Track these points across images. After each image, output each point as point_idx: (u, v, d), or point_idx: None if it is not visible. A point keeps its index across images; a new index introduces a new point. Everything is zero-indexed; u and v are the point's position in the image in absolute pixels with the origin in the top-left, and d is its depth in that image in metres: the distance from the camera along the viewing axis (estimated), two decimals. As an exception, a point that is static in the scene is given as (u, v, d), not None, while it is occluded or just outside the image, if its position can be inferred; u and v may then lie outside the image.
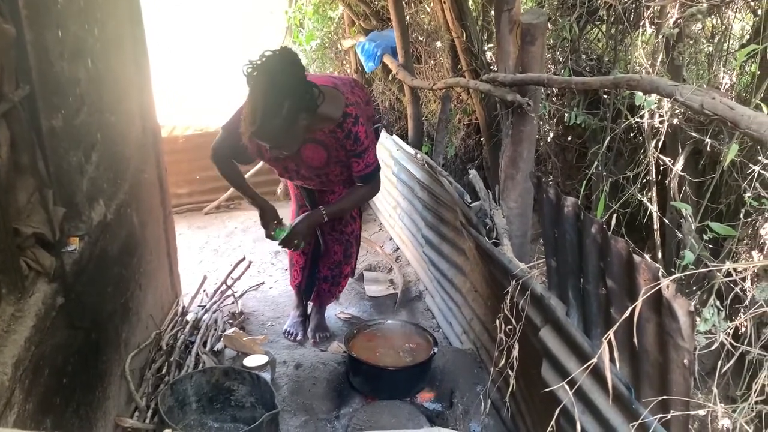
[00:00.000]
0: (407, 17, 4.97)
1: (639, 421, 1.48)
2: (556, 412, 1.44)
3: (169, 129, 5.85)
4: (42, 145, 1.93)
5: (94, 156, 2.38)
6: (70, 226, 2.10)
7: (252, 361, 2.90)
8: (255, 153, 2.97)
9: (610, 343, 1.26)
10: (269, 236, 3.10)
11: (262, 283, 4.33)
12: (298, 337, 3.60)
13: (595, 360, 1.38)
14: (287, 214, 3.50)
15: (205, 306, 3.71)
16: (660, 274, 1.40)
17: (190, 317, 3.53)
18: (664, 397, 1.44)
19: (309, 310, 3.75)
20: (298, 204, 3.43)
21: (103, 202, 2.43)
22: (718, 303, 1.81)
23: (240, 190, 3.19)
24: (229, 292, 3.94)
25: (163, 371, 2.97)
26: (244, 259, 4.16)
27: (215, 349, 3.20)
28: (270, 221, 3.08)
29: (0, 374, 1.49)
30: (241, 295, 4.06)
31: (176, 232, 3.89)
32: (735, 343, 1.46)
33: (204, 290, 3.93)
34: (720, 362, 1.48)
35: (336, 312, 3.98)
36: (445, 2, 4.11)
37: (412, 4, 5.34)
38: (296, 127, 2.61)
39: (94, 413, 2.26)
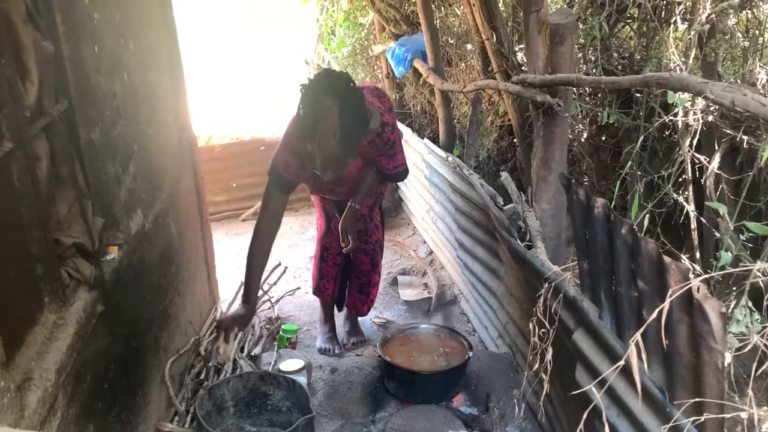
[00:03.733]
0: (437, 21, 4.98)
1: (671, 424, 1.46)
2: (585, 415, 1.43)
3: (205, 138, 5.98)
4: (81, 157, 1.99)
5: (132, 167, 2.45)
6: (108, 236, 2.15)
7: (288, 365, 2.93)
8: (301, 178, 2.94)
9: (638, 345, 1.25)
10: (216, 348, 2.78)
11: (298, 288, 4.38)
12: (336, 351, 3.59)
13: (623, 362, 1.37)
14: (303, 225, 3.51)
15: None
16: (690, 275, 1.38)
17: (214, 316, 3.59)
18: (698, 399, 1.42)
19: (337, 321, 3.76)
20: (328, 216, 3.44)
21: (141, 211, 2.49)
22: (751, 304, 1.77)
23: (255, 277, 2.96)
24: (266, 297, 3.99)
25: (202, 376, 3.03)
26: (279, 264, 4.21)
27: (252, 354, 3.25)
28: (233, 328, 2.79)
29: (43, 380, 1.54)
30: (278, 301, 4.11)
31: (214, 239, 3.96)
32: (769, 345, 1.43)
33: (241, 296, 3.99)
34: (755, 365, 1.45)
35: (371, 316, 4.00)
36: (474, 5, 4.11)
37: (442, 8, 5.35)
38: (358, 146, 2.68)
39: (135, 418, 2.32)
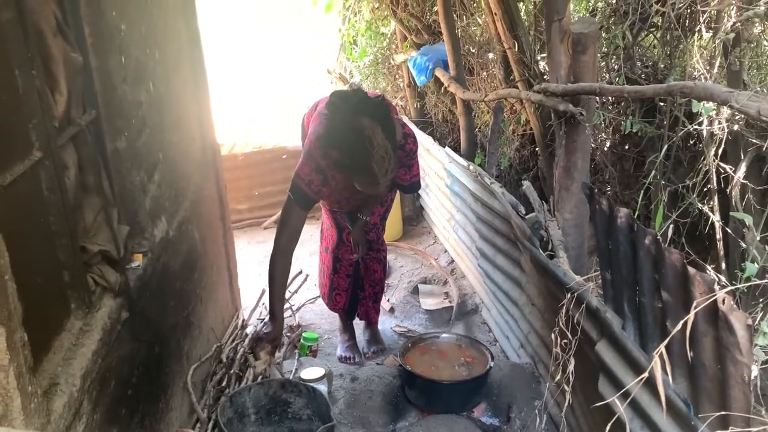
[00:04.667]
0: (458, 30, 4.99)
1: (697, 438, 1.44)
2: (608, 427, 1.42)
3: (228, 147, 6.03)
4: (107, 166, 2.03)
5: (156, 175, 2.48)
6: (133, 243, 2.19)
7: (309, 373, 2.94)
8: (322, 194, 2.95)
9: (662, 356, 1.23)
10: (254, 356, 2.90)
11: (319, 297, 4.39)
12: (356, 360, 3.59)
13: (646, 374, 1.36)
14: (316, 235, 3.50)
15: (263, 319, 3.78)
16: (716, 286, 1.36)
17: (249, 330, 3.61)
18: (723, 412, 1.40)
19: (357, 330, 3.77)
20: (340, 227, 3.43)
21: (165, 219, 2.53)
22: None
23: (279, 294, 3.02)
24: (287, 305, 4.00)
25: (224, 383, 3.04)
26: (301, 272, 4.22)
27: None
28: (262, 346, 2.92)
29: (69, 385, 1.57)
30: (299, 309, 4.13)
31: (236, 247, 3.99)
32: (797, 358, 1.41)
33: (263, 303, 4.00)
34: (782, 378, 1.43)
35: (392, 325, 3.99)
36: (496, 14, 4.11)
37: (464, 17, 5.36)
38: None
39: (158, 424, 2.34)
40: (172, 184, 2.69)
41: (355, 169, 2.62)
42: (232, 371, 3.09)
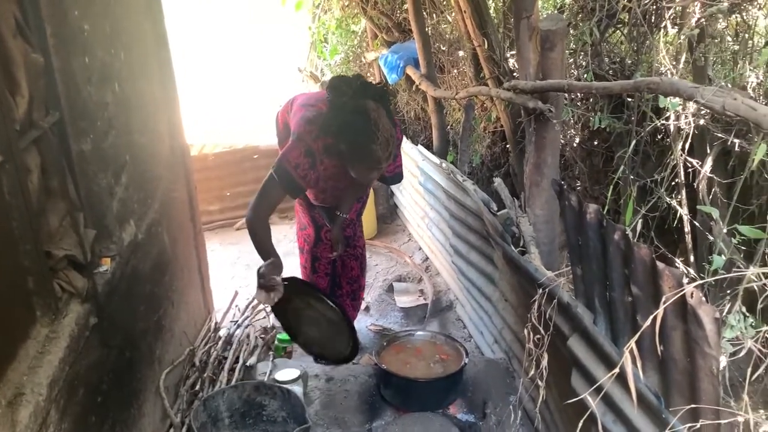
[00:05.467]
0: (428, 28, 4.99)
1: (668, 430, 1.45)
2: (581, 422, 1.43)
3: (198, 147, 5.96)
4: (72, 169, 1.99)
5: (124, 177, 2.44)
6: (101, 247, 2.15)
7: (284, 375, 2.92)
8: (309, 179, 2.88)
9: (632, 351, 1.25)
10: (269, 300, 2.76)
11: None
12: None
13: (618, 369, 1.37)
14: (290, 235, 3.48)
15: (237, 321, 3.75)
16: (684, 280, 1.38)
17: (222, 333, 3.58)
18: (694, 405, 1.41)
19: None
20: (318, 225, 3.41)
21: (134, 222, 2.49)
22: (744, 309, 1.77)
23: (269, 243, 2.87)
24: (261, 306, 3.97)
25: (197, 387, 3.01)
26: (274, 273, 4.19)
27: (247, 364, 3.23)
28: (272, 278, 2.77)
29: (35, 395, 1.53)
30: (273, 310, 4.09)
31: (208, 249, 3.96)
32: (763, 350, 1.43)
33: (236, 306, 3.98)
34: (749, 369, 1.45)
35: (367, 324, 3.99)
36: (465, 12, 4.12)
37: (434, 15, 5.37)
38: None
39: (130, 430, 2.30)
40: (140, 186, 2.65)
41: (357, 152, 2.61)
42: (205, 374, 3.06)
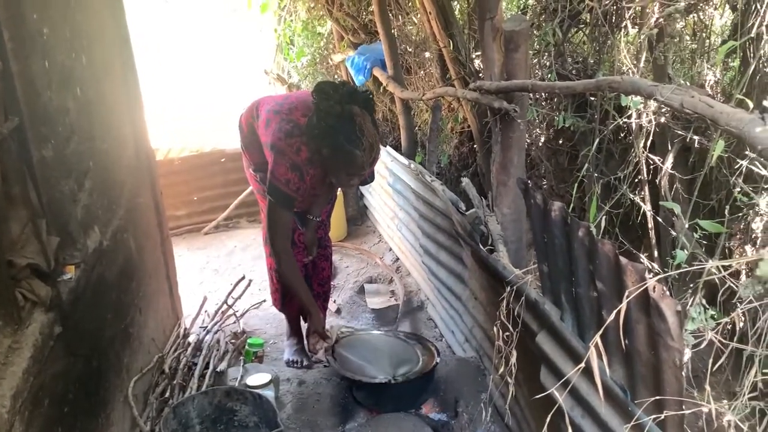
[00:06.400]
0: (394, 29, 5.01)
1: (633, 422, 1.48)
2: (549, 417, 1.45)
3: (164, 152, 5.90)
4: (33, 175, 1.94)
5: (87, 183, 2.40)
6: (65, 255, 2.11)
7: (255, 380, 2.90)
8: (301, 191, 2.89)
9: (597, 346, 1.27)
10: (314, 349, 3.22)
11: (264, 301, 4.33)
12: (304, 364, 3.53)
13: (584, 363, 1.39)
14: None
15: (206, 327, 3.72)
16: (647, 275, 1.41)
17: (192, 339, 3.54)
18: (658, 397, 1.44)
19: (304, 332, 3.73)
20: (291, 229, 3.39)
21: (98, 228, 2.45)
22: (705, 301, 1.82)
23: (305, 293, 3.09)
24: (231, 311, 3.94)
25: (167, 394, 2.97)
26: (244, 277, 4.16)
27: (218, 369, 3.20)
28: (318, 334, 3.13)
29: (-1, 407, 1.50)
30: (243, 314, 4.06)
31: (176, 254, 3.91)
32: (724, 341, 1.47)
33: (205, 311, 3.94)
34: (710, 360, 1.48)
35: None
36: (431, 13, 4.14)
37: (399, 17, 5.39)
38: None
39: (98, 440, 2.27)
40: (104, 192, 2.61)
41: (340, 158, 2.63)
42: (175, 381, 3.03)
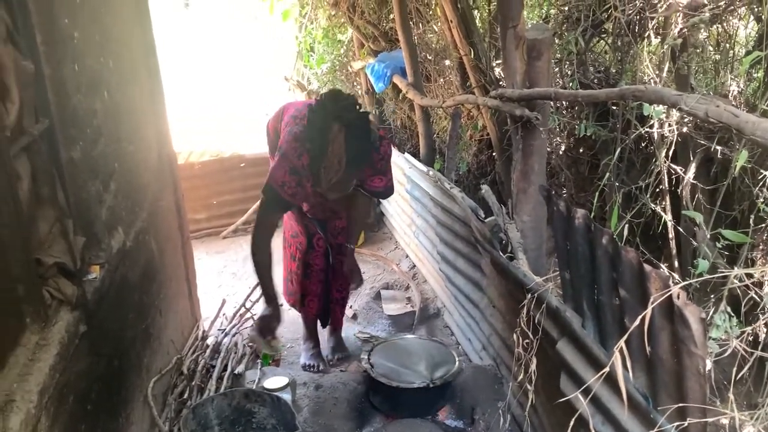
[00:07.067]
0: (415, 37, 5.03)
1: (656, 430, 1.48)
2: (571, 423, 1.45)
3: (185, 155, 5.94)
4: (61, 176, 1.98)
5: (113, 185, 2.44)
6: (90, 255, 2.14)
7: (273, 383, 2.91)
8: (297, 197, 2.95)
9: (621, 352, 1.27)
10: (258, 349, 3.17)
11: (281, 305, 4.35)
12: (321, 368, 3.55)
13: (607, 369, 1.39)
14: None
15: (224, 329, 3.74)
16: (671, 282, 1.40)
17: (210, 341, 3.57)
18: (681, 404, 1.44)
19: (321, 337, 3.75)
20: (309, 233, 3.39)
21: (122, 229, 2.48)
22: (729, 309, 1.81)
23: (268, 283, 3.07)
24: (249, 314, 3.96)
25: (185, 395, 3.00)
26: (261, 281, 4.18)
27: (236, 372, 3.23)
28: (271, 329, 3.11)
29: (26, 402, 1.52)
30: (260, 318, 4.08)
31: (195, 257, 3.94)
32: (748, 350, 1.46)
33: (223, 314, 3.97)
34: (734, 369, 1.48)
35: (354, 332, 3.98)
36: (452, 21, 4.15)
37: (420, 25, 5.41)
38: (363, 169, 2.86)
39: (119, 439, 2.29)
40: (128, 194, 2.64)
41: (311, 167, 2.69)
42: (193, 383, 3.05)
